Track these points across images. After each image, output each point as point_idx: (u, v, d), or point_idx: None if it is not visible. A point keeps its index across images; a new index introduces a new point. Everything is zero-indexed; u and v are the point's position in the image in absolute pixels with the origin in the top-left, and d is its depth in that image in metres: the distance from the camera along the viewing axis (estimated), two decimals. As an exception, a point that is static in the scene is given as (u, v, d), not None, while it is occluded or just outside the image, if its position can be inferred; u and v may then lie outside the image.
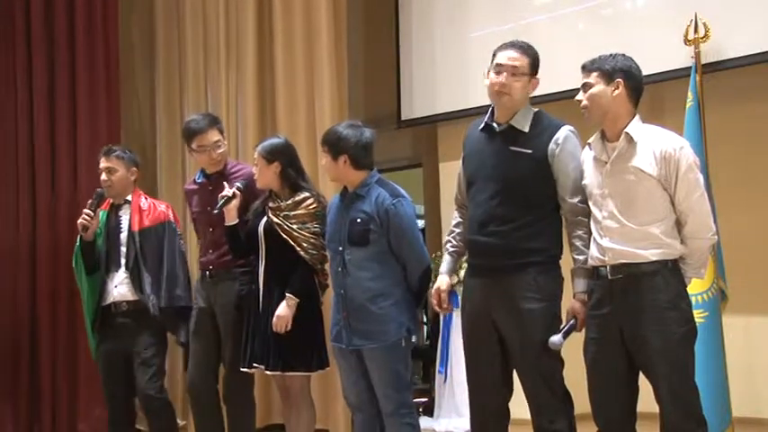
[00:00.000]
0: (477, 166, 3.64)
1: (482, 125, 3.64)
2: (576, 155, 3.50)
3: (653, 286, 3.26)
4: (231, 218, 4.40)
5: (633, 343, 3.29)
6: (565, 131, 3.51)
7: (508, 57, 3.54)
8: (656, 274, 3.27)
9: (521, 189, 3.49)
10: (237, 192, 4.39)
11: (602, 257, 3.34)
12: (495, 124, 3.60)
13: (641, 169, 3.29)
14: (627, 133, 3.34)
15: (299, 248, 4.24)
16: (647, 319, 3.25)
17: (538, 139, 3.51)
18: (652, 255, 3.27)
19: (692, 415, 3.26)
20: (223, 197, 4.38)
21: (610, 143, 3.39)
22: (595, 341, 3.38)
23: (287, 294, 4.23)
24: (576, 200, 3.47)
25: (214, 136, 4.60)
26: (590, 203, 3.43)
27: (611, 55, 3.39)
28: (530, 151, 3.50)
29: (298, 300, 4.22)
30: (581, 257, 3.45)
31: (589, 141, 3.49)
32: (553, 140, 3.49)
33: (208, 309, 4.60)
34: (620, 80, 3.33)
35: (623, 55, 3.40)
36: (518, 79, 3.53)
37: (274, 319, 4.21)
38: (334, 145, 3.99)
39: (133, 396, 4.82)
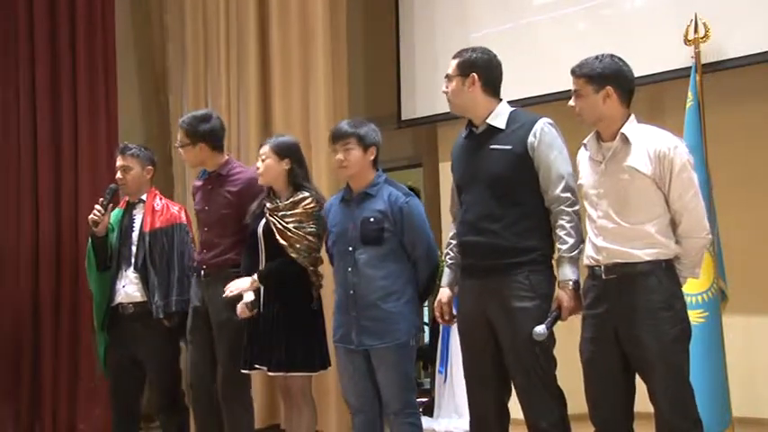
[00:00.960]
0: (463, 169, 3.69)
1: (465, 132, 3.71)
2: (554, 145, 3.52)
3: (647, 286, 3.25)
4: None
5: (628, 343, 3.28)
6: (541, 124, 3.55)
7: None
8: (650, 275, 3.26)
9: (505, 186, 3.52)
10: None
11: (596, 257, 3.34)
12: (474, 128, 3.66)
13: (636, 168, 3.28)
14: (622, 134, 3.33)
15: (290, 249, 4.20)
16: (641, 319, 3.24)
17: (515, 134, 3.55)
18: (646, 255, 3.26)
19: (687, 415, 3.25)
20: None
21: (605, 143, 3.39)
22: (591, 341, 3.37)
23: (254, 275, 4.24)
24: (557, 190, 3.48)
25: (180, 136, 4.60)
26: (586, 203, 3.43)
27: (597, 58, 3.35)
28: (509, 147, 3.53)
29: (260, 284, 4.22)
30: (564, 246, 3.46)
31: (584, 141, 3.49)
32: (531, 133, 3.52)
33: (202, 307, 4.58)
34: (609, 87, 3.31)
35: (611, 56, 3.36)
36: (451, 84, 3.65)
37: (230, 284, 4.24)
38: (363, 138, 3.96)
39: (139, 397, 4.83)
